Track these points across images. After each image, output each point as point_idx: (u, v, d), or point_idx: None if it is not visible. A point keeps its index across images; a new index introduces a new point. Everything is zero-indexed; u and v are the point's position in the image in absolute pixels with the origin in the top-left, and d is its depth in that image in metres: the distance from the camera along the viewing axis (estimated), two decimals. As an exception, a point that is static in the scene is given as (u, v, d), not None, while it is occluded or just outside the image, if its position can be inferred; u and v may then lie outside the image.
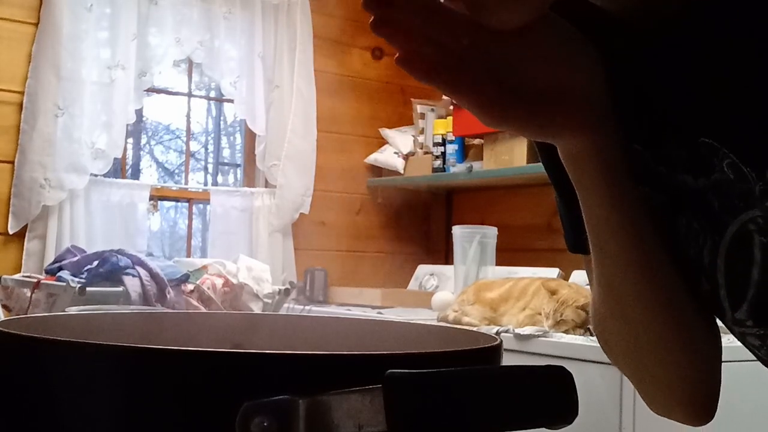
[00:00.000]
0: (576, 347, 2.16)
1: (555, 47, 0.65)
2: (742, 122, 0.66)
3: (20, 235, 3.14)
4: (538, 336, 2.26)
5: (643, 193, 0.72)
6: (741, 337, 0.74)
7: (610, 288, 0.76)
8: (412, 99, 3.85)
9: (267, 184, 3.72)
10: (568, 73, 0.65)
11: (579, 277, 2.89)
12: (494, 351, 0.63)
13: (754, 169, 0.66)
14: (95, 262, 2.62)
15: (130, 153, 5.17)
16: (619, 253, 0.73)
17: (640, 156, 0.73)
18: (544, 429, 0.54)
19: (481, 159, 3.42)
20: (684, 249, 0.74)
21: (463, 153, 3.56)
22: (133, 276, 2.58)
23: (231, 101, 3.64)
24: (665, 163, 0.72)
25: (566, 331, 2.29)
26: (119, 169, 3.67)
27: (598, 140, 0.68)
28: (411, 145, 3.80)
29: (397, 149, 3.82)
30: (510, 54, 0.63)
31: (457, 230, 3.11)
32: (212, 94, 4.60)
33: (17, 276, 2.79)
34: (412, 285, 3.61)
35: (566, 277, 2.93)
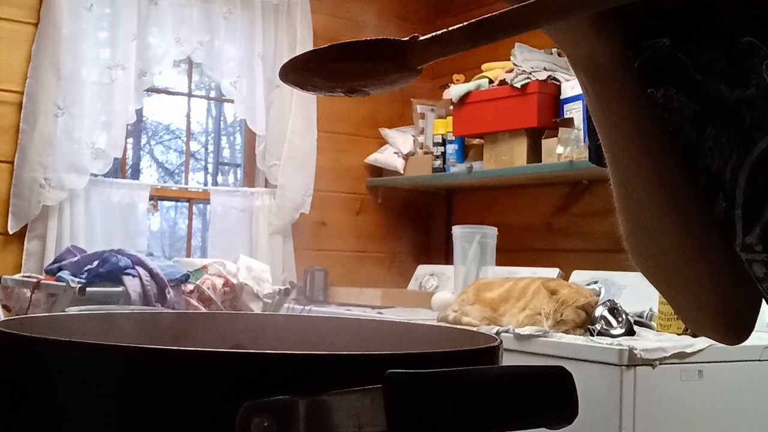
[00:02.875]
0: (576, 347, 2.16)
1: None
2: None
3: (20, 235, 3.14)
4: (538, 336, 2.26)
5: (672, 108, 0.73)
6: (748, 266, 0.73)
7: (634, 204, 0.76)
8: (412, 99, 3.85)
9: (267, 184, 3.72)
10: None
11: (579, 277, 2.89)
12: (494, 351, 0.63)
13: None
14: (95, 262, 2.62)
15: (130, 153, 5.18)
16: (642, 168, 0.74)
17: (682, 65, 0.73)
18: (544, 429, 0.54)
19: (481, 159, 3.42)
20: (708, 163, 0.74)
21: (463, 153, 3.56)
22: (133, 276, 2.58)
23: (231, 101, 3.64)
24: (704, 71, 0.72)
25: (566, 331, 2.29)
26: (119, 169, 3.67)
27: (623, 53, 0.70)
28: (411, 145, 3.80)
29: (397, 149, 3.82)
30: None
31: (457, 230, 3.11)
32: (212, 94, 4.60)
33: (17, 276, 2.79)
34: (412, 285, 3.61)
35: (566, 277, 2.94)
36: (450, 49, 0.59)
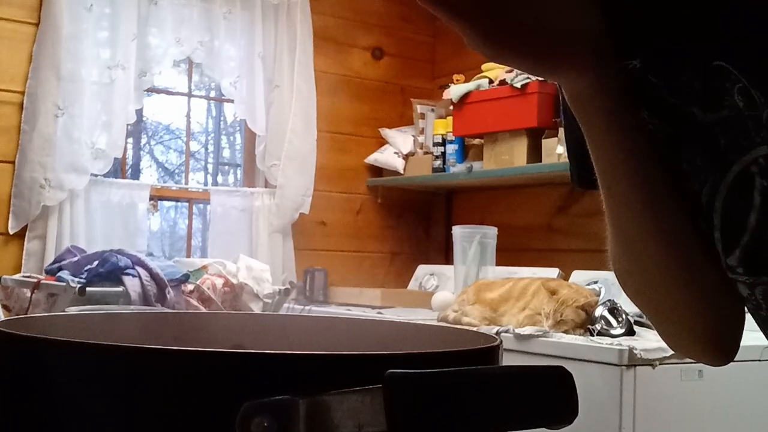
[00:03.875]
0: (576, 347, 2.16)
1: None
2: (756, 44, 0.66)
3: (20, 235, 3.14)
4: (538, 336, 2.26)
5: (649, 130, 0.73)
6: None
7: (620, 229, 0.77)
8: (412, 99, 3.85)
9: (267, 184, 3.72)
10: (569, 12, 0.67)
11: (579, 277, 2.89)
12: (494, 351, 0.63)
13: (764, 95, 0.65)
14: (95, 262, 2.62)
15: (130, 153, 5.17)
16: (624, 193, 0.74)
17: (654, 88, 0.73)
18: (544, 429, 0.54)
19: (481, 159, 3.42)
20: (685, 185, 0.74)
21: (463, 153, 3.56)
22: (133, 276, 2.58)
23: (231, 101, 3.64)
24: (677, 94, 0.72)
25: (566, 331, 2.29)
26: (119, 169, 3.67)
27: (600, 79, 0.69)
28: (411, 145, 3.80)
29: (397, 149, 3.82)
30: None
31: (457, 230, 3.11)
32: (212, 94, 4.60)
33: (17, 276, 2.79)
34: (412, 285, 3.61)
35: (566, 277, 2.93)
36: None
